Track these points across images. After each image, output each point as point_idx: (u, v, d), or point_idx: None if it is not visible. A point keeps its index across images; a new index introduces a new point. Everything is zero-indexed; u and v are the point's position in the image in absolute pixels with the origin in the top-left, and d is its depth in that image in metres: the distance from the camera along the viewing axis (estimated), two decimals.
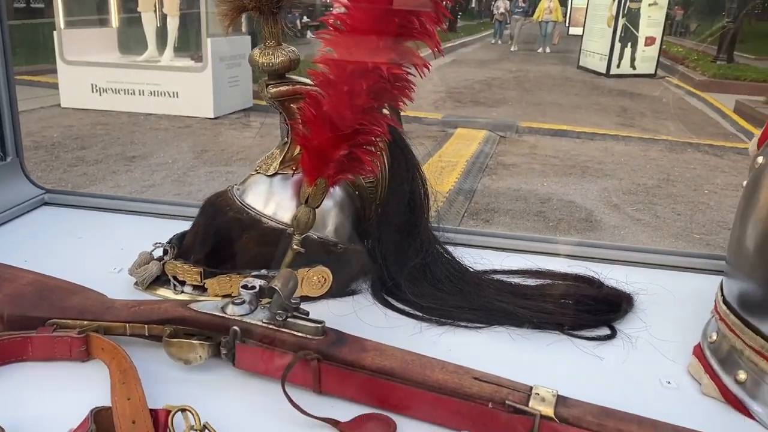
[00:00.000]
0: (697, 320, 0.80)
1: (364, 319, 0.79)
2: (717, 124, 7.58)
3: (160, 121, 5.97)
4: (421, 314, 0.80)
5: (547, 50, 12.87)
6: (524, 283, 0.88)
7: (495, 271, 0.92)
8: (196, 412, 0.56)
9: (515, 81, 9.56)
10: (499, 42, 13.56)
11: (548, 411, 0.57)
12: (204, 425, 0.56)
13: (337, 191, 0.87)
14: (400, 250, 0.87)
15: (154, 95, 6.44)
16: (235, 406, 0.63)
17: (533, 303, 0.81)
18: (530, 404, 0.58)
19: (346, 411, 0.61)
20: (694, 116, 7.93)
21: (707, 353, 0.73)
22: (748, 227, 0.71)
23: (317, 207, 0.76)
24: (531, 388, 0.59)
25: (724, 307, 0.72)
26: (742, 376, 0.67)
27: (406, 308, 0.81)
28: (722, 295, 0.74)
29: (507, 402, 0.58)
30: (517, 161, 4.94)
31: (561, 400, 0.58)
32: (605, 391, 0.63)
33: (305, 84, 0.82)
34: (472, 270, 0.89)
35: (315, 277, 0.81)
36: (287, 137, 0.85)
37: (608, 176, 4.60)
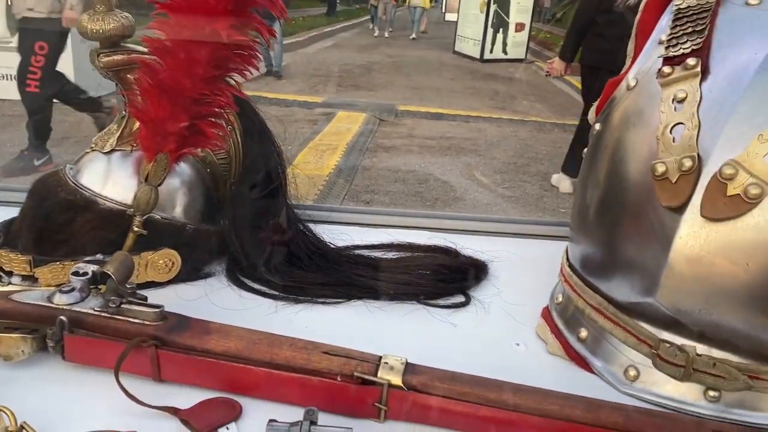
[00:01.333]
0: (547, 285, 0.83)
1: (217, 302, 0.75)
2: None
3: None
4: (277, 293, 0.77)
5: (413, 36, 12.98)
6: (384, 256, 0.87)
7: (356, 247, 0.90)
8: (11, 412, 0.50)
9: (394, 66, 9.65)
10: (375, 29, 13.60)
11: (396, 379, 0.56)
12: (21, 425, 0.50)
13: (185, 169, 0.82)
14: (257, 229, 0.83)
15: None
16: (64, 401, 0.57)
17: (390, 275, 0.80)
18: (379, 374, 0.57)
19: (189, 397, 0.57)
20: (560, 98, 8.38)
21: (554, 314, 0.75)
22: (588, 192, 0.75)
23: (159, 185, 0.71)
24: (380, 358, 0.58)
25: (568, 269, 0.75)
26: (583, 333, 0.69)
27: (263, 288, 0.78)
28: (567, 258, 0.77)
29: (355, 374, 0.57)
30: (397, 143, 5.00)
31: (409, 368, 0.58)
32: (458, 356, 0.63)
33: (141, 53, 0.76)
34: (332, 246, 0.87)
35: (161, 261, 0.76)
36: (125, 110, 0.79)
37: (482, 156, 4.75)
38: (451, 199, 3.60)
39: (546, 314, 0.76)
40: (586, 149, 0.79)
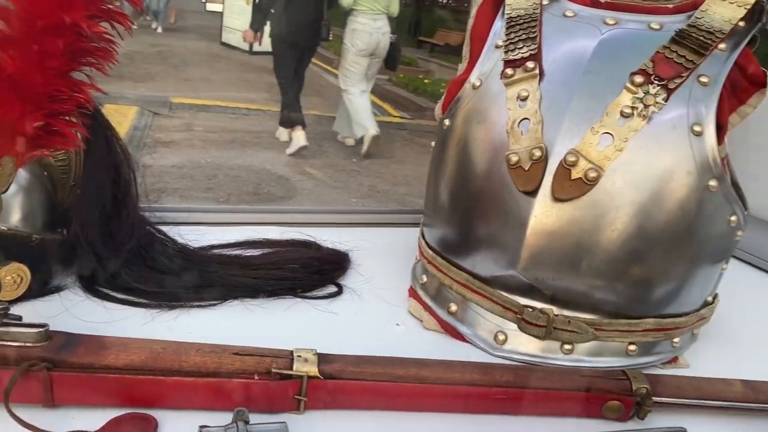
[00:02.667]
0: (407, 268, 0.89)
1: (81, 316, 0.69)
2: None
3: None
4: (146, 301, 0.73)
5: (157, 28, 12.05)
6: (248, 254, 0.87)
7: (213, 246, 0.88)
8: None
9: (159, 56, 9.14)
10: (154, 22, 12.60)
11: (313, 370, 0.58)
12: None
13: (21, 173, 0.73)
14: (109, 234, 0.78)
15: None
16: None
17: (263, 272, 0.81)
18: (295, 367, 0.58)
19: (90, 420, 0.53)
20: (331, 92, 8.65)
21: (421, 293, 0.82)
22: (441, 184, 0.82)
23: (4, 192, 0.63)
24: (292, 352, 0.60)
25: (431, 252, 0.82)
26: (453, 308, 0.77)
27: (128, 297, 0.73)
28: (425, 242, 0.84)
29: (273, 370, 0.57)
30: (176, 138, 4.78)
31: (322, 358, 0.60)
32: (347, 342, 0.65)
33: None
34: (191, 247, 0.85)
35: (9, 277, 0.67)
36: None
37: (267, 149, 4.76)
38: (244, 194, 3.56)
39: (413, 294, 0.83)
40: (433, 143, 0.87)
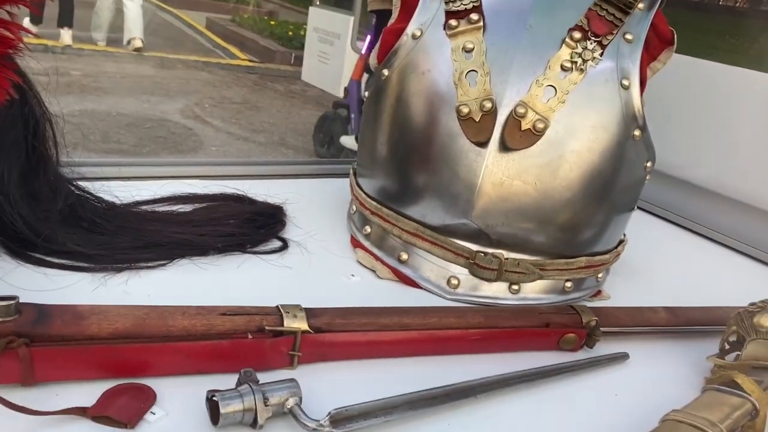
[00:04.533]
0: (339, 218, 0.90)
1: (21, 285, 0.62)
2: (195, 40, 7.96)
3: None
4: (90, 265, 0.67)
5: None
6: (181, 210, 0.82)
7: (139, 203, 0.83)
8: None
9: None
10: None
11: (304, 325, 0.58)
12: None
13: None
14: (32, 194, 0.70)
15: None
16: None
17: (209, 228, 0.77)
18: (286, 324, 0.58)
19: (76, 396, 0.49)
20: (171, 32, 8.11)
21: (367, 244, 0.83)
22: (380, 136, 0.83)
23: None
24: (278, 308, 0.59)
25: (374, 203, 0.83)
26: (405, 256, 0.79)
27: (68, 262, 0.67)
28: (365, 193, 0.85)
29: (267, 328, 0.57)
30: None
31: (309, 313, 0.60)
32: (310, 295, 0.65)
33: None
34: (121, 205, 0.78)
35: None
36: None
37: (110, 94, 4.40)
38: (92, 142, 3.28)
39: (358, 244, 0.84)
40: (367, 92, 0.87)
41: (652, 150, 0.80)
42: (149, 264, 0.70)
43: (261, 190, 0.92)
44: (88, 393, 0.50)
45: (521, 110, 0.72)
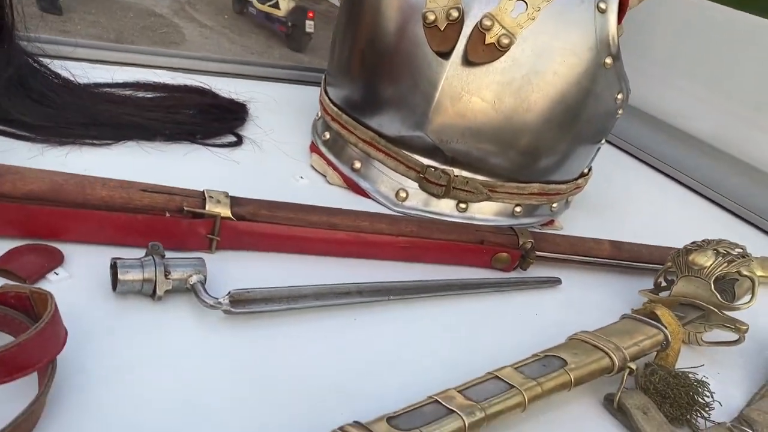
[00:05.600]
0: (305, 123, 0.89)
1: None
2: None
3: None
4: (31, 135, 0.67)
5: None
6: (141, 95, 0.81)
7: (100, 85, 0.82)
8: None
9: None
10: None
11: (226, 211, 0.58)
12: None
13: None
14: None
15: None
16: None
17: (160, 114, 0.76)
18: (207, 207, 0.57)
19: None
20: None
21: (323, 149, 0.83)
22: (347, 42, 0.81)
23: None
24: (203, 192, 0.59)
25: (335, 109, 0.81)
26: (357, 165, 0.79)
27: (9, 129, 0.67)
28: (329, 99, 0.84)
29: (185, 208, 0.56)
30: None
31: (234, 200, 0.59)
32: (251, 191, 0.65)
33: None
34: (78, 83, 0.78)
35: None
36: None
37: None
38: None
39: (315, 149, 0.83)
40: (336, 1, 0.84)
41: (624, 81, 0.77)
42: (94, 141, 0.70)
43: (229, 88, 0.91)
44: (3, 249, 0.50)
45: (487, 22, 0.69)
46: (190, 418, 0.42)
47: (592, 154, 0.84)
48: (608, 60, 0.73)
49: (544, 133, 0.75)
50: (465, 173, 0.75)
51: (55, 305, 0.40)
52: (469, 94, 0.71)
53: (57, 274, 0.50)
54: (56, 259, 0.51)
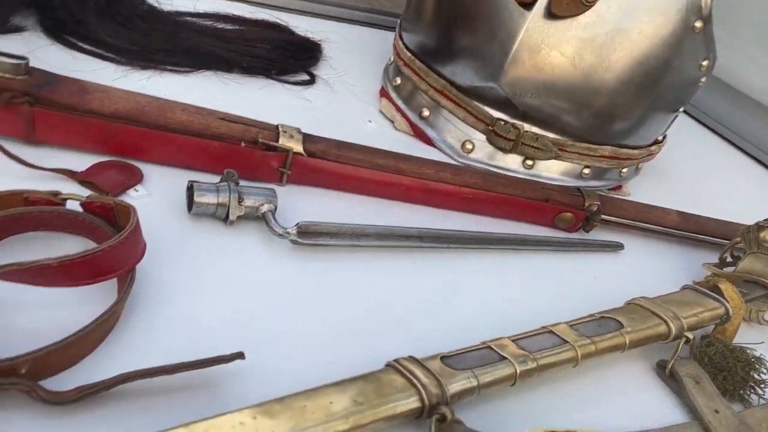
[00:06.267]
0: (377, 67, 0.89)
1: (49, 61, 0.64)
2: None
3: None
4: (117, 57, 0.70)
5: None
6: (221, 26, 0.83)
7: (181, 13, 0.83)
8: None
9: None
10: None
11: (298, 147, 0.59)
12: None
13: None
14: None
15: None
16: None
17: (239, 47, 0.78)
18: (280, 141, 0.59)
19: (75, 161, 0.53)
20: None
21: (393, 95, 0.82)
22: None
23: None
24: (277, 126, 0.60)
25: (409, 55, 0.81)
26: (426, 113, 0.78)
27: (98, 50, 0.70)
28: (404, 44, 0.83)
29: (259, 140, 0.58)
30: None
31: (306, 137, 0.60)
32: (320, 130, 0.66)
33: None
34: (162, 9, 0.79)
35: None
36: None
37: None
38: None
39: (385, 95, 0.83)
40: None
41: (712, 48, 0.73)
42: (174, 68, 0.72)
43: (306, 26, 0.91)
44: (81, 162, 0.53)
45: None
46: (251, 338, 0.44)
47: (668, 122, 0.82)
48: (697, 23, 0.70)
49: (622, 94, 0.73)
50: (535, 129, 0.74)
51: (138, 217, 0.42)
52: (549, 48, 0.70)
53: (137, 191, 0.53)
54: (136, 177, 0.54)
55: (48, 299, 0.40)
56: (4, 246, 0.44)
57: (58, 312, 0.40)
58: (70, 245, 0.45)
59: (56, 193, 0.45)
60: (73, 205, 0.45)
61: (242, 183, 0.54)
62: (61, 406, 0.34)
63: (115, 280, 0.43)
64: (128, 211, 0.43)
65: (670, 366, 0.52)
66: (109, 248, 0.39)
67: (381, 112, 0.81)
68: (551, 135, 0.74)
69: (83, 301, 0.41)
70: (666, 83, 0.74)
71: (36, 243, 0.45)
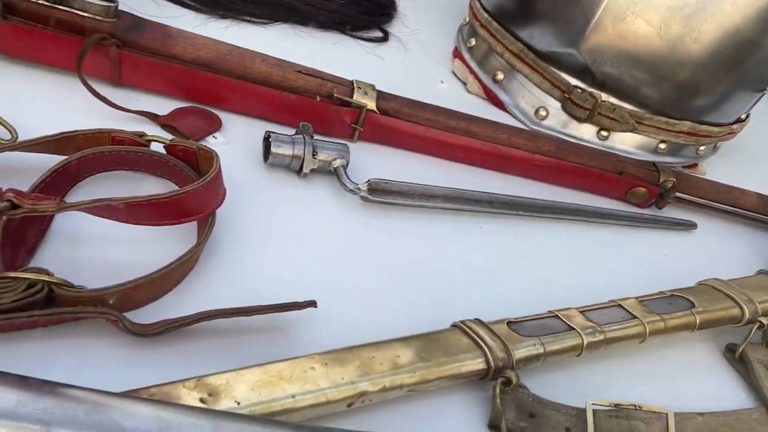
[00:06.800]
0: (451, 28, 0.87)
1: (131, 5, 0.66)
2: None
3: None
4: (198, 5, 0.70)
5: None
6: None
7: None
8: None
9: None
10: None
11: (371, 104, 0.59)
12: None
13: None
14: None
15: None
16: (23, 98, 0.50)
17: (315, 1, 0.77)
18: (355, 97, 0.59)
19: (156, 105, 0.54)
20: None
21: (467, 56, 0.81)
22: None
23: None
24: (352, 82, 0.60)
25: (486, 15, 0.79)
26: (500, 76, 0.77)
27: None
28: (480, 4, 0.81)
29: (335, 95, 0.58)
30: None
31: (380, 94, 0.60)
32: (393, 87, 0.66)
33: None
34: None
35: None
36: None
37: None
38: None
39: (458, 55, 0.82)
40: None
41: None
42: (252, 19, 0.72)
43: None
44: (162, 106, 0.54)
45: None
46: (320, 287, 0.44)
47: (753, 101, 0.78)
48: None
49: (707, 68, 0.70)
50: (613, 99, 0.72)
51: (220, 163, 0.43)
52: (634, 16, 0.67)
53: (215, 138, 0.54)
54: (215, 124, 0.55)
55: (133, 237, 0.42)
56: (90, 183, 0.46)
57: (142, 250, 0.41)
58: (151, 186, 0.47)
59: (142, 134, 0.46)
60: (156, 148, 0.46)
61: (316, 137, 0.55)
62: (143, 338, 0.36)
63: (194, 223, 0.44)
64: (211, 156, 0.43)
65: (740, 350, 0.50)
66: (194, 191, 0.40)
67: (453, 73, 0.80)
68: (629, 106, 0.72)
69: (163, 242, 0.42)
70: (755, 60, 0.71)
71: (119, 182, 0.46)
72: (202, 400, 0.32)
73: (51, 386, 0.28)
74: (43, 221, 0.40)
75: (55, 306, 0.34)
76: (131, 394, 0.30)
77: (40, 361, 0.34)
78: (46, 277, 0.34)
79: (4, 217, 0.35)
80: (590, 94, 0.71)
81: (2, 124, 0.44)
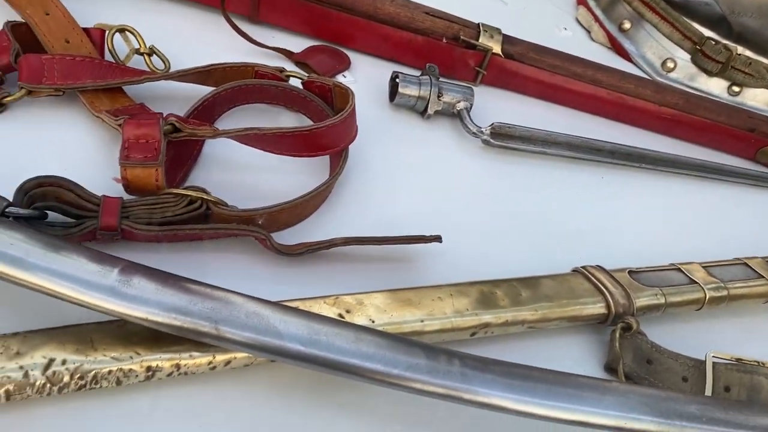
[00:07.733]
0: None
1: None
2: None
3: None
4: None
5: None
6: None
7: None
8: (138, 33, 0.47)
9: None
10: None
11: (497, 47, 0.59)
12: (151, 48, 0.47)
13: None
14: None
15: None
16: (172, 32, 0.53)
17: None
18: (480, 40, 0.59)
19: (289, 43, 0.56)
20: None
21: (592, 4, 0.78)
22: None
23: None
24: (479, 25, 0.60)
25: None
26: (626, 25, 0.74)
27: None
28: None
29: (461, 37, 0.58)
30: None
31: (506, 38, 0.60)
32: (514, 33, 0.64)
33: None
34: None
35: None
36: None
37: None
38: None
39: (583, 2, 0.79)
40: None
41: None
42: None
43: None
44: (295, 44, 0.56)
45: None
46: (442, 224, 0.46)
47: None
48: None
49: None
50: (749, 53, 0.68)
51: (355, 101, 0.45)
52: None
53: (344, 76, 0.56)
54: (344, 63, 0.56)
55: (271, 166, 0.44)
56: (232, 114, 0.49)
57: (279, 179, 0.44)
58: (287, 120, 0.49)
59: (282, 70, 0.48)
60: (294, 83, 0.49)
61: (441, 79, 0.55)
62: (286, 257, 0.39)
63: (326, 158, 0.46)
64: (346, 93, 0.45)
65: None
66: (333, 125, 0.42)
67: (577, 20, 0.78)
68: (766, 61, 0.68)
69: (296, 173, 0.45)
70: None
71: (258, 115, 0.49)
72: (340, 315, 0.35)
73: (218, 290, 0.31)
74: (196, 146, 0.44)
75: (211, 222, 0.38)
76: (283, 304, 0.33)
77: (195, 270, 0.38)
78: (204, 195, 0.37)
79: (167, 139, 0.39)
80: (725, 46, 0.68)
81: (158, 56, 0.48)
